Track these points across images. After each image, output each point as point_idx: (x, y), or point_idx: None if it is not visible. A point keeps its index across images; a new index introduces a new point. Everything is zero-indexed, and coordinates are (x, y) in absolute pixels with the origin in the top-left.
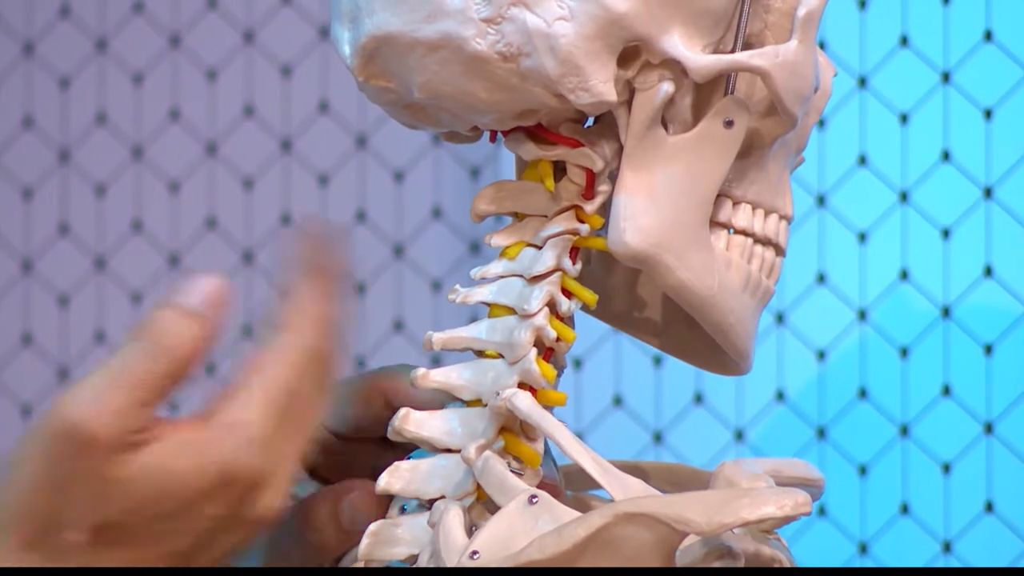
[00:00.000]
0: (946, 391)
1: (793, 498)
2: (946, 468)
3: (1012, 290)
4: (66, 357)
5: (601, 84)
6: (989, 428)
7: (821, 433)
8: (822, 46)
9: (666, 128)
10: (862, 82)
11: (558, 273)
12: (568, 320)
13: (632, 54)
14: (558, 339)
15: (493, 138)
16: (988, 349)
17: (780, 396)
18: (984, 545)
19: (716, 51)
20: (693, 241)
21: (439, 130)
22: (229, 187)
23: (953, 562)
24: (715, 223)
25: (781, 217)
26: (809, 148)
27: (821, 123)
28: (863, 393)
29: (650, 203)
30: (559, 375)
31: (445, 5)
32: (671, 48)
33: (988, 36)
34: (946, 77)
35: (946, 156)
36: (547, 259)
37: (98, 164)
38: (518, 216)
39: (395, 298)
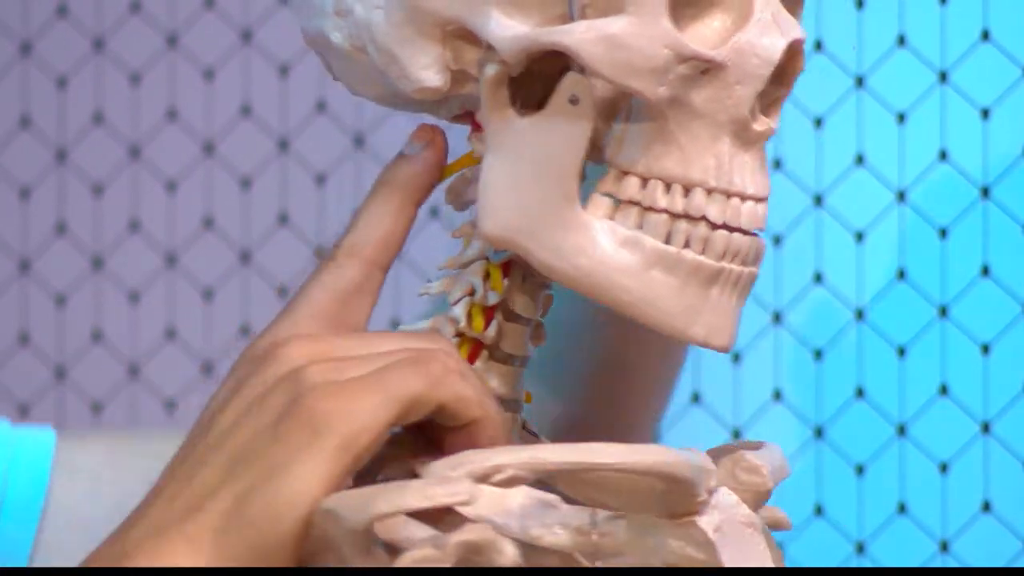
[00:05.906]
0: (943, 390)
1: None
2: (943, 467)
3: (1009, 289)
4: (63, 356)
5: (420, 71)
6: (986, 427)
7: (818, 432)
8: (818, 46)
9: (522, 110)
10: (859, 81)
11: (481, 262)
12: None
13: (457, 36)
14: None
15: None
16: (985, 348)
17: (777, 395)
18: (982, 544)
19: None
20: (554, 222)
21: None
22: (226, 186)
23: (951, 562)
24: (605, 196)
25: (711, 191)
26: (805, 148)
27: (818, 122)
28: (860, 392)
29: (506, 187)
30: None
31: (313, 1)
32: (483, 28)
33: (985, 35)
34: (943, 76)
35: (943, 155)
36: (471, 252)
37: (95, 163)
38: None
39: (393, 298)
